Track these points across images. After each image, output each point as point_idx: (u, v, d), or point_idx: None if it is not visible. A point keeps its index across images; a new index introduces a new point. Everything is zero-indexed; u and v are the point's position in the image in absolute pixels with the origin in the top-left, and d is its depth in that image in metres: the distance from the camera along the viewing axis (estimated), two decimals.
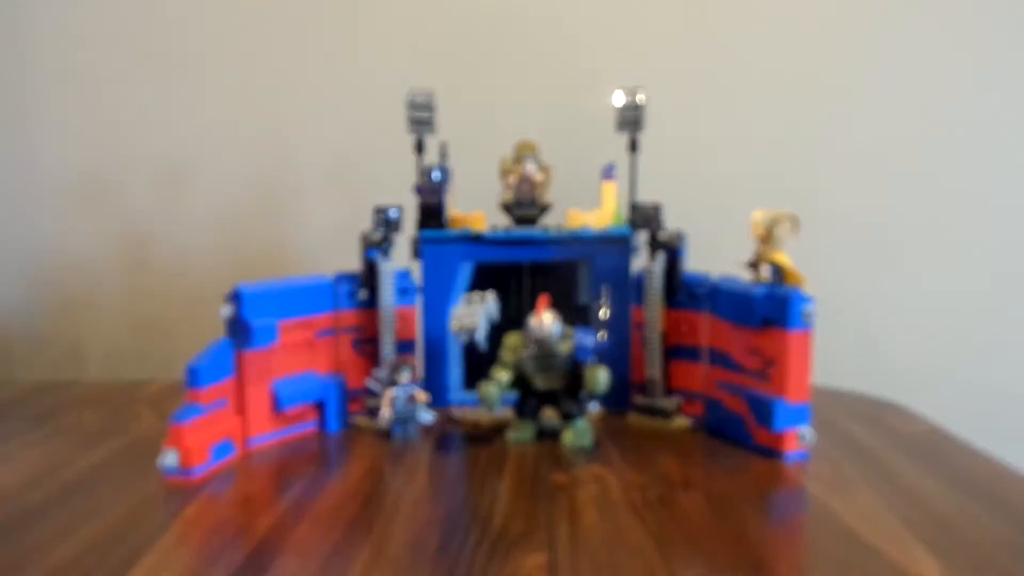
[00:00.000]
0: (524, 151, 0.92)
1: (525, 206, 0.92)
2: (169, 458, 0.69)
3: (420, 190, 0.92)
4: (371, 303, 0.89)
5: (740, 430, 0.80)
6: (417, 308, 0.92)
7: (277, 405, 0.80)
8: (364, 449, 0.80)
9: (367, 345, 0.90)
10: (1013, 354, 1.21)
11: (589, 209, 0.92)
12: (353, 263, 0.90)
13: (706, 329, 0.86)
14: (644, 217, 0.89)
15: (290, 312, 0.82)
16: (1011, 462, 0.74)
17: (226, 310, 0.77)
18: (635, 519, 0.62)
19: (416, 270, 0.92)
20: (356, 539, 0.58)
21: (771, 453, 0.76)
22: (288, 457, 0.77)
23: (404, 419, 0.82)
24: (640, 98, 0.91)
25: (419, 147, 0.94)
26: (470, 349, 0.85)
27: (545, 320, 0.78)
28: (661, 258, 0.87)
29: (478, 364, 0.88)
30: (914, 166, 1.19)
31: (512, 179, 0.92)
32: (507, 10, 1.20)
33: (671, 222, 0.89)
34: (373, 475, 0.72)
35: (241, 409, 0.78)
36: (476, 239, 0.91)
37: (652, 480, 0.70)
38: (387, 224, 0.90)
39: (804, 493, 0.68)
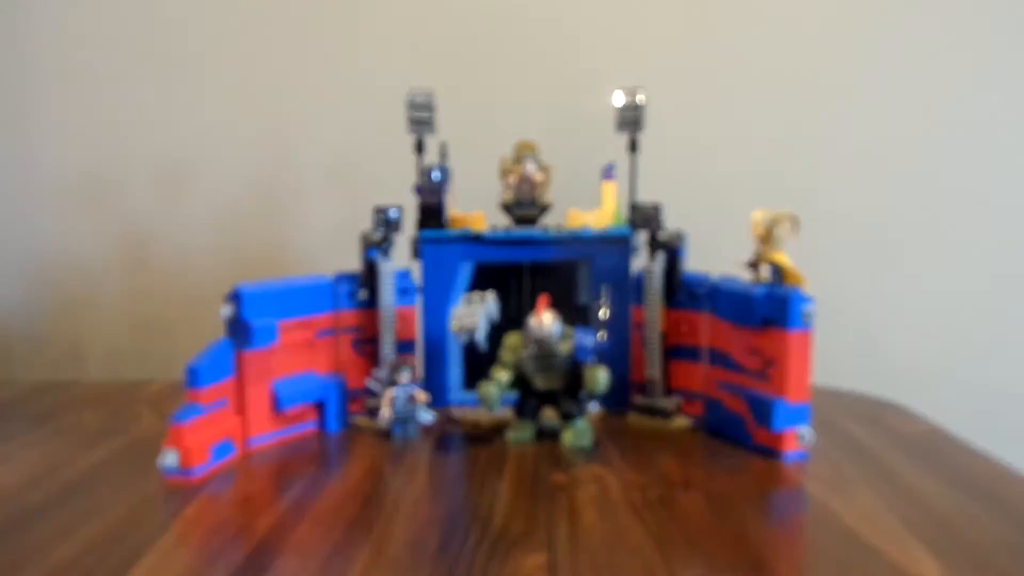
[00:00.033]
0: (524, 151, 0.92)
1: (525, 206, 0.92)
2: (169, 458, 0.69)
3: (420, 190, 0.92)
4: (371, 303, 0.89)
5: (740, 430, 0.80)
6: (417, 308, 0.92)
7: (277, 405, 0.80)
8: (364, 449, 0.80)
9: (367, 345, 0.90)
10: (1013, 354, 1.21)
11: (589, 209, 0.92)
12: (353, 263, 0.90)
13: (706, 329, 0.86)
14: (644, 217, 0.89)
15: (290, 312, 0.82)
16: (1011, 462, 0.74)
17: (226, 310, 0.77)
18: (635, 519, 0.62)
19: (416, 270, 0.92)
20: (356, 539, 0.58)
21: (771, 453, 0.76)
22: (288, 457, 0.77)
23: (404, 419, 0.82)
24: (640, 98, 0.91)
25: (419, 147, 0.94)
26: (470, 349, 0.85)
27: (545, 320, 0.78)
28: (661, 258, 0.87)
29: (478, 364, 0.88)
30: (914, 166, 1.19)
31: (512, 179, 0.92)
32: (507, 10, 1.20)
33: (671, 222, 0.89)
34: (373, 475, 0.72)
35: (241, 409, 0.78)
36: (476, 239, 0.91)
37: (652, 480, 0.70)
38: (387, 224, 0.90)
39: (804, 493, 0.68)
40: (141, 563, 0.54)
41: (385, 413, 0.81)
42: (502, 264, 0.92)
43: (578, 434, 0.80)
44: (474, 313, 0.80)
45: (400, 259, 0.91)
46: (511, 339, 0.82)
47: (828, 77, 1.19)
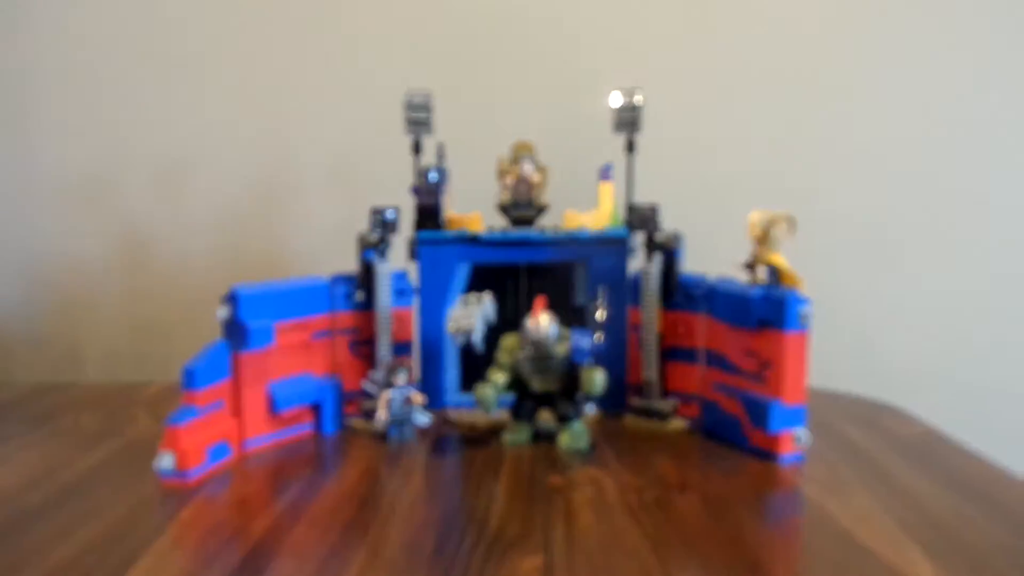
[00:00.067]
0: (521, 152, 0.92)
1: (522, 207, 0.92)
2: (165, 460, 0.69)
3: (417, 191, 0.92)
4: (368, 304, 0.89)
5: (736, 432, 0.80)
6: (414, 310, 0.92)
7: (273, 407, 0.80)
8: (360, 451, 0.80)
9: (363, 347, 0.90)
10: (1010, 355, 1.20)
11: (586, 210, 0.92)
12: (350, 264, 0.90)
13: (703, 331, 0.86)
14: (641, 218, 0.89)
15: (287, 314, 0.82)
16: (1006, 464, 0.74)
17: (223, 312, 0.78)
18: (631, 521, 0.62)
19: (413, 271, 0.92)
20: (352, 541, 0.59)
21: (767, 455, 0.76)
22: (284, 459, 0.77)
23: (400, 421, 0.82)
24: (637, 99, 0.91)
25: (416, 148, 0.94)
26: (467, 351, 0.85)
27: (542, 322, 0.78)
28: (658, 259, 0.87)
29: (475, 366, 0.88)
30: (913, 166, 1.19)
31: (509, 180, 0.92)
32: (505, 11, 1.20)
33: (668, 223, 0.89)
34: (369, 477, 0.72)
35: (237, 411, 0.78)
36: (473, 240, 0.91)
37: (648, 482, 0.70)
38: (384, 225, 0.89)
39: (800, 495, 0.68)
40: (138, 565, 0.55)
41: (381, 415, 0.81)
42: (499, 265, 0.92)
43: (575, 436, 0.80)
44: (471, 315, 0.80)
45: (397, 260, 0.91)
46: (508, 341, 0.82)
47: (826, 78, 1.19)
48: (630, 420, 0.88)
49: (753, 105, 1.20)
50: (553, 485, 0.70)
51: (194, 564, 0.55)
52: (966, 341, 1.21)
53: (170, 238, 1.25)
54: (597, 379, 0.78)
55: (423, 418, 0.83)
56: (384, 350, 0.88)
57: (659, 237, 0.88)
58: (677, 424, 0.86)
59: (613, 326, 0.91)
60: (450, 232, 0.92)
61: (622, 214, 0.92)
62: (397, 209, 0.91)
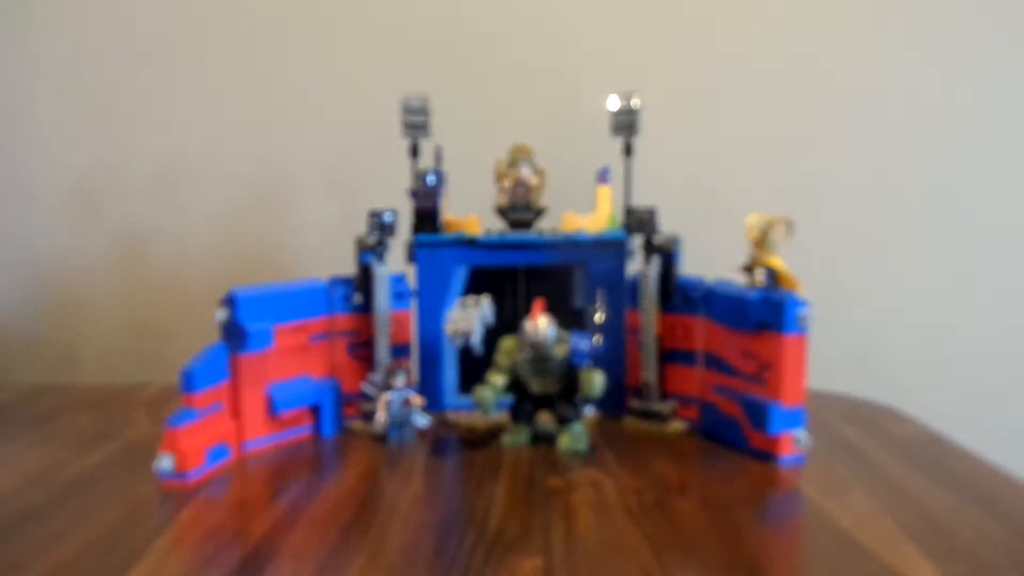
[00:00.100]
0: (519, 155, 0.92)
1: (520, 210, 0.92)
2: (164, 462, 0.69)
3: (415, 194, 0.92)
4: (366, 307, 0.89)
5: (735, 434, 0.80)
6: (412, 312, 0.92)
7: (272, 409, 0.80)
8: (359, 453, 0.80)
9: (362, 349, 0.90)
10: (1007, 357, 1.21)
11: (584, 213, 0.92)
12: (348, 267, 0.90)
13: (701, 333, 0.86)
14: (639, 221, 0.89)
15: (285, 316, 0.82)
16: (1005, 465, 0.74)
17: (221, 314, 0.78)
18: (631, 523, 0.62)
19: (411, 274, 0.92)
20: (351, 543, 0.59)
21: (766, 456, 0.76)
22: (283, 461, 0.77)
23: (399, 423, 0.82)
24: (635, 102, 0.91)
25: (414, 151, 0.94)
26: (465, 353, 0.85)
27: (540, 324, 0.78)
28: (656, 262, 0.88)
29: (473, 368, 0.88)
30: (910, 167, 1.19)
31: (507, 183, 0.92)
32: (502, 14, 1.20)
33: (666, 226, 0.89)
34: (368, 479, 0.72)
35: (236, 413, 0.78)
36: (471, 243, 0.91)
37: (648, 484, 0.70)
38: (382, 228, 0.89)
39: (799, 496, 0.69)
40: (137, 566, 0.54)
41: (380, 417, 0.81)
42: (497, 268, 0.92)
43: (574, 438, 0.80)
44: (469, 317, 0.80)
45: (395, 263, 0.91)
46: (506, 343, 0.82)
47: (827, 78, 1.19)
48: (629, 422, 0.88)
49: (750, 108, 1.20)
50: (552, 487, 0.70)
51: (193, 565, 0.55)
52: (963, 342, 1.21)
53: (169, 239, 1.25)
54: (596, 381, 0.78)
55: (422, 420, 0.83)
56: (383, 352, 0.88)
57: (657, 240, 0.88)
58: (676, 426, 0.86)
59: (611, 328, 0.91)
60: (448, 235, 0.92)
61: (620, 217, 0.92)
62: (395, 212, 0.91)
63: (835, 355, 1.18)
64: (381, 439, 0.83)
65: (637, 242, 0.91)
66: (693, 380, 0.87)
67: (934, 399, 1.08)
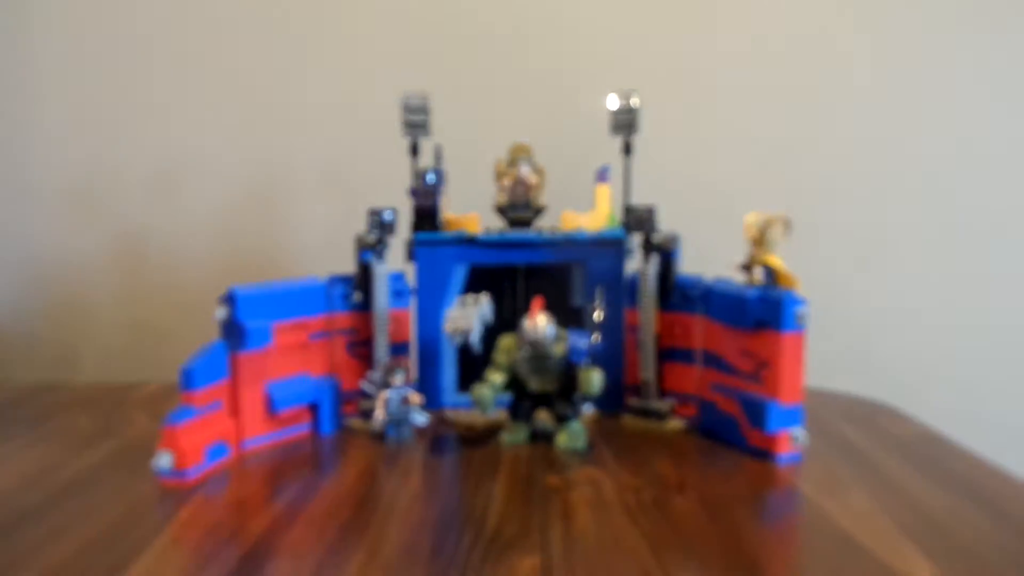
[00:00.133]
0: (518, 153, 0.92)
1: (519, 208, 0.92)
2: (163, 460, 0.69)
3: (415, 193, 0.92)
4: (365, 305, 0.89)
5: (733, 432, 0.80)
6: (411, 310, 0.92)
7: (271, 407, 0.80)
8: (358, 451, 0.80)
9: (361, 347, 0.90)
10: (1007, 356, 1.21)
11: (583, 211, 0.93)
12: (348, 265, 0.90)
13: (700, 331, 0.86)
14: (638, 219, 0.89)
15: (284, 314, 0.82)
16: (1004, 464, 0.74)
17: (220, 312, 0.78)
18: (629, 521, 0.62)
19: (410, 272, 0.92)
20: (350, 541, 0.59)
21: (764, 455, 0.76)
22: (282, 459, 0.77)
23: (398, 421, 0.82)
24: (634, 101, 0.91)
25: (414, 150, 0.94)
26: (464, 351, 0.85)
27: (539, 322, 0.78)
28: (655, 260, 0.88)
29: (472, 366, 0.88)
30: (909, 166, 1.19)
31: (506, 181, 0.92)
32: (502, 13, 1.20)
33: (665, 225, 0.89)
34: (367, 477, 0.72)
35: (235, 411, 0.78)
36: (470, 241, 0.91)
37: (646, 482, 0.70)
38: (382, 226, 0.90)
39: (797, 495, 0.69)
40: (136, 565, 0.55)
41: (379, 415, 0.82)
42: (496, 266, 0.92)
43: (572, 436, 0.80)
44: (468, 315, 0.80)
45: (394, 261, 0.91)
46: (505, 341, 0.82)
47: (823, 80, 1.19)
48: (628, 420, 0.88)
49: (749, 107, 1.20)
50: (551, 485, 0.70)
51: (192, 563, 0.55)
52: (963, 341, 1.21)
53: (168, 238, 1.25)
54: (595, 379, 0.78)
55: (421, 418, 0.83)
56: (382, 351, 0.88)
57: (656, 238, 0.88)
58: (675, 424, 0.86)
59: (610, 327, 0.91)
60: (447, 233, 0.92)
61: (619, 215, 0.92)
62: (395, 210, 0.91)
63: (834, 353, 1.18)
64: (380, 437, 0.83)
65: (636, 241, 0.91)
66: (691, 378, 0.88)
67: (933, 397, 1.08)
